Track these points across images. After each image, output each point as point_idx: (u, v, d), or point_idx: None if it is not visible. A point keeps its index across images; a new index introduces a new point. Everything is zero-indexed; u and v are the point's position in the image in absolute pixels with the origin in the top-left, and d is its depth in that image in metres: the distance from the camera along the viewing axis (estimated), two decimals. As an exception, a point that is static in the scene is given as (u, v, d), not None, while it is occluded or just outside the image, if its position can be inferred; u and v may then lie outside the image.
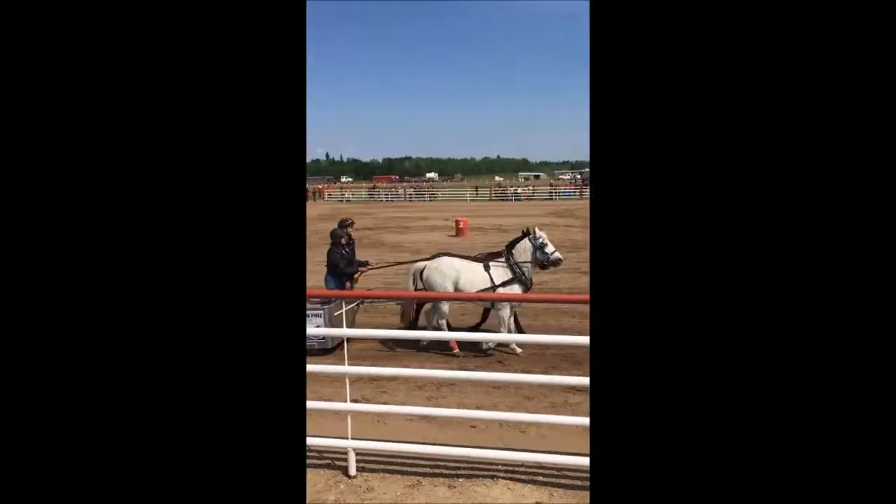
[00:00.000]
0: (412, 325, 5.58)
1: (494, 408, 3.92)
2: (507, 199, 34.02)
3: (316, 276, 6.73)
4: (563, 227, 15.74)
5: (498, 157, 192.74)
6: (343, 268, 5.61)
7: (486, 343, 5.17)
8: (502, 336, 4.76)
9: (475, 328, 5.76)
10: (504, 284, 5.18)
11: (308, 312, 4.85)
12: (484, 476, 2.99)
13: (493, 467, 3.04)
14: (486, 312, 5.73)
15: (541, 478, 2.98)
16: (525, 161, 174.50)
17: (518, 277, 5.21)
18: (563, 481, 2.93)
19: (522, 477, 2.98)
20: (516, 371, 4.56)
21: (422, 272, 5.41)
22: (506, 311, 5.18)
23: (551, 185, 45.95)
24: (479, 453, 3.02)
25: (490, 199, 34.41)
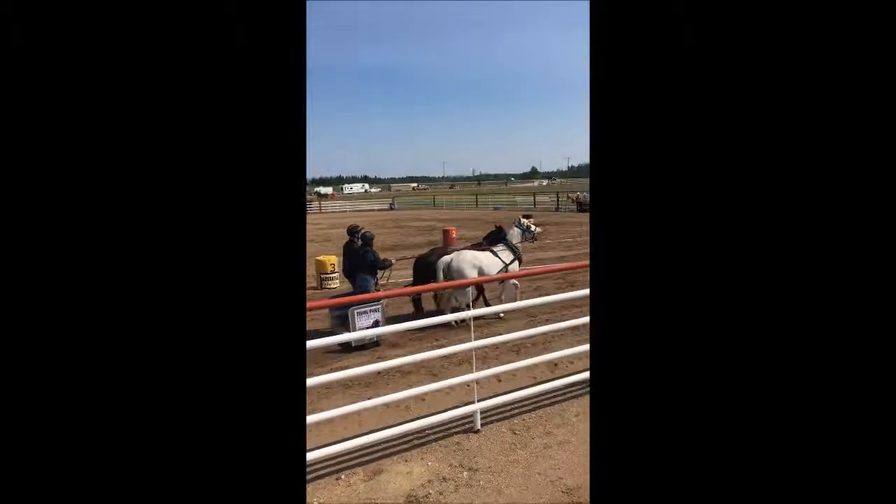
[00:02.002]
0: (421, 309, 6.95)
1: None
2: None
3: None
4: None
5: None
6: (382, 264, 6.40)
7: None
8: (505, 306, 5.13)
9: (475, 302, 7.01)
10: (512, 262, 6.98)
11: (366, 309, 5.62)
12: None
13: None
14: (481, 288, 7.23)
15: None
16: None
17: (518, 255, 7.12)
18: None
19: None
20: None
21: (448, 265, 6.63)
22: (515, 281, 6.91)
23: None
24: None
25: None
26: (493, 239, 7.18)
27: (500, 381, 4.44)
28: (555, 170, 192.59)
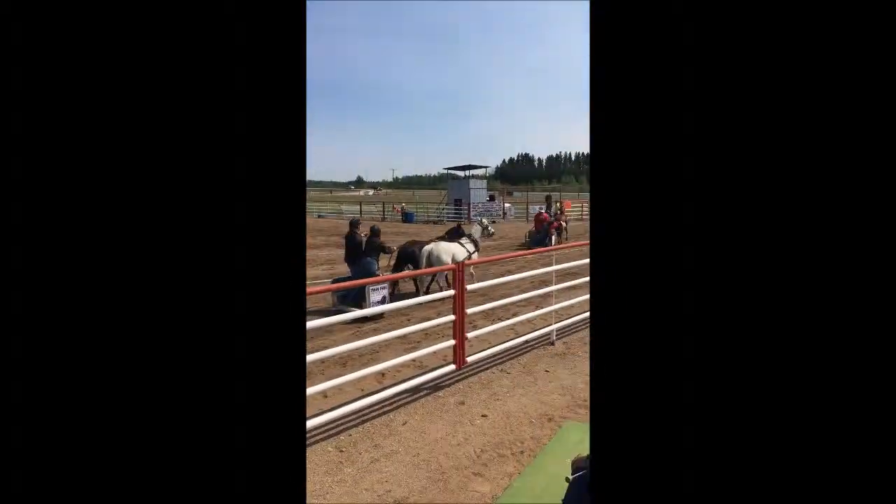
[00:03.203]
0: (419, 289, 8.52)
1: None
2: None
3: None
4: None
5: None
6: (387, 250, 7.92)
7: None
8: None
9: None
10: (473, 252, 8.89)
11: (378, 287, 6.87)
12: None
13: None
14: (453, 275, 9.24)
15: None
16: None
17: (478, 247, 9.24)
18: None
19: None
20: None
21: (430, 253, 8.31)
22: (471, 269, 8.87)
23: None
24: None
25: None
26: (455, 234, 9.26)
27: (326, 396, 4.25)
28: (381, 180, 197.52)
